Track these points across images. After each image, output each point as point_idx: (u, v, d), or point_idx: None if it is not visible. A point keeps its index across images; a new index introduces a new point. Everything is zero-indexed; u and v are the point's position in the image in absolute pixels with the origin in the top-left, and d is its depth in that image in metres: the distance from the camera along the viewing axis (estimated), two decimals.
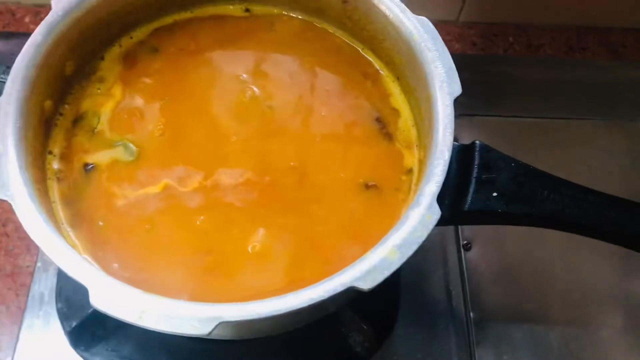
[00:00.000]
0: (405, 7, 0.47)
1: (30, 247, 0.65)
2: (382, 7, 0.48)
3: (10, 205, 0.67)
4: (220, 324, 0.34)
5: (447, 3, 0.81)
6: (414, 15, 0.47)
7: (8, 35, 0.45)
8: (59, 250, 0.37)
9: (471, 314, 0.53)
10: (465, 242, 0.55)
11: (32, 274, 0.64)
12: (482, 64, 0.41)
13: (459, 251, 0.55)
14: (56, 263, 0.36)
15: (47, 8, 0.80)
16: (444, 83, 0.43)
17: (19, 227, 0.66)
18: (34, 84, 0.43)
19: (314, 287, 0.36)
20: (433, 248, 0.40)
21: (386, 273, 0.37)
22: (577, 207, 0.41)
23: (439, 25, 0.82)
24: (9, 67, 0.44)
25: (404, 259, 0.37)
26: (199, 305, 0.35)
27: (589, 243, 0.45)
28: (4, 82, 0.44)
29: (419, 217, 0.39)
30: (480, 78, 0.58)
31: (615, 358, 0.53)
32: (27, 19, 0.79)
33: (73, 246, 0.40)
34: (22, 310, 0.61)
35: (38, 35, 0.43)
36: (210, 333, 0.34)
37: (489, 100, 0.62)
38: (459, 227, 0.56)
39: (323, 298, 0.35)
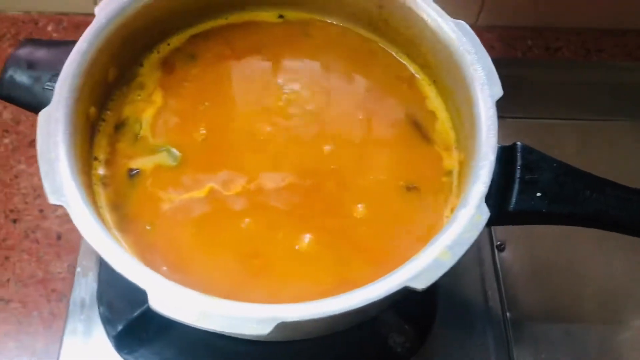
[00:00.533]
0: (442, 10, 0.48)
1: (61, 254, 0.66)
2: (420, 12, 0.48)
3: (40, 212, 0.68)
4: (279, 324, 0.35)
5: (466, 7, 0.82)
6: (451, 19, 0.47)
7: (50, 44, 0.46)
8: (116, 254, 0.38)
9: (508, 314, 0.54)
10: (498, 242, 0.56)
11: (63, 279, 0.64)
12: (504, 66, 0.42)
13: (493, 252, 0.55)
14: (114, 267, 0.37)
15: (69, 16, 0.81)
16: (484, 85, 0.44)
17: (48, 234, 0.67)
18: (81, 91, 0.44)
19: (370, 287, 0.37)
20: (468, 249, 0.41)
21: (439, 273, 0.37)
22: (622, 207, 0.42)
23: None
24: (54, 75, 0.45)
25: (455, 259, 0.38)
26: (258, 306, 0.36)
27: (620, 240, 0.46)
28: (51, 90, 0.44)
29: (468, 217, 0.39)
30: (503, 81, 0.59)
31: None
32: (49, 28, 0.80)
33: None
34: (55, 316, 0.61)
35: (83, 42, 0.44)
36: (269, 334, 0.35)
37: (513, 102, 0.62)
38: (492, 228, 0.57)
39: (380, 297, 0.36)
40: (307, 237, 0.45)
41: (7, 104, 0.73)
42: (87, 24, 0.80)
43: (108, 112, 0.49)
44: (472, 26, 0.84)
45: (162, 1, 0.49)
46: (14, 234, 0.67)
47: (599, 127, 0.64)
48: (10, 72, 0.45)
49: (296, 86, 0.51)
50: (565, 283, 0.56)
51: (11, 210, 0.68)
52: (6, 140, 0.72)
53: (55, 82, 0.44)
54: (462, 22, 0.47)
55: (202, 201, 0.46)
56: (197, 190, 0.46)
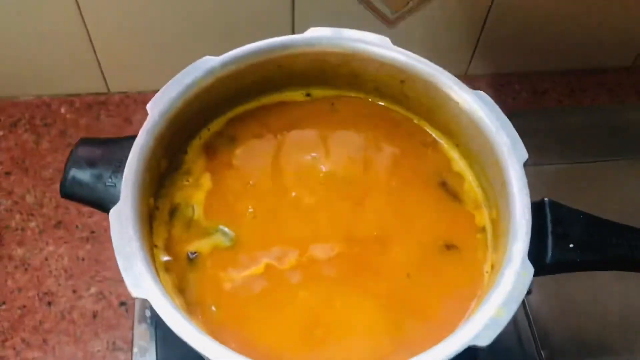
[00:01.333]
0: (461, 82, 0.53)
1: (98, 332, 0.68)
2: (441, 85, 0.53)
3: (74, 292, 0.70)
4: None
5: (456, 58, 0.88)
6: (470, 89, 0.52)
7: (104, 142, 0.49)
8: (201, 340, 0.40)
9: (542, 353, 0.58)
10: None
11: (103, 358, 0.66)
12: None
13: None
14: (202, 353, 0.39)
15: (81, 97, 0.84)
16: (510, 150, 0.49)
17: (84, 314, 0.69)
18: (142, 186, 0.47)
19: (436, 349, 0.40)
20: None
21: (498, 330, 0.41)
22: None
23: None
24: (115, 172, 0.48)
25: (511, 315, 0.42)
26: None
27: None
28: (112, 186, 0.47)
29: (514, 275, 0.43)
30: None
31: None
32: (62, 110, 0.83)
33: None
34: None
35: (141, 140, 0.47)
36: None
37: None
38: None
39: (450, 357, 0.39)
40: (361, 304, 0.48)
41: (31, 188, 0.76)
42: (98, 102, 0.84)
43: (161, 200, 0.52)
44: (463, 75, 0.90)
45: (204, 92, 0.52)
46: (50, 316, 0.69)
47: (607, 167, 0.69)
48: (72, 173, 0.48)
49: (330, 158, 0.55)
50: (591, 318, 0.60)
51: (45, 293, 0.70)
52: (32, 224, 0.74)
53: (116, 178, 0.47)
54: (482, 92, 0.52)
55: (260, 278, 0.49)
56: (254, 267, 0.49)
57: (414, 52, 0.54)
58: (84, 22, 0.74)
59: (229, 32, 0.77)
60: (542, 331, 0.58)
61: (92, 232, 0.74)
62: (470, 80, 0.90)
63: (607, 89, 0.90)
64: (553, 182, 0.67)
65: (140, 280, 0.42)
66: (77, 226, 0.74)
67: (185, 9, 0.74)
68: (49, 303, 0.69)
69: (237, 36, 0.77)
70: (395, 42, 0.55)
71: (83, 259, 0.72)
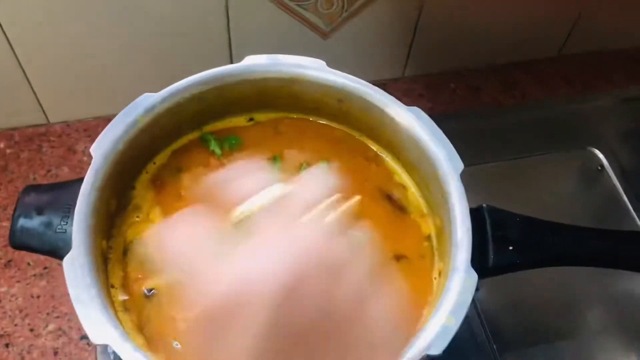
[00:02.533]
0: (395, 99, 0.55)
1: None
2: (376, 102, 0.55)
3: (31, 331, 0.69)
4: None
5: (392, 63, 0.90)
6: (405, 106, 0.54)
7: (50, 187, 0.49)
8: None
9: (494, 346, 0.61)
10: None
11: None
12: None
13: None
14: None
15: (19, 130, 0.82)
16: (448, 162, 0.51)
17: (44, 352, 0.69)
18: (94, 230, 0.47)
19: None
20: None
21: (449, 337, 0.44)
22: (577, 245, 0.50)
23: (388, 83, 0.91)
24: (64, 217, 0.48)
25: (459, 322, 0.44)
26: None
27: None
28: (63, 232, 0.48)
29: (461, 282, 0.46)
30: None
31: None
32: (2, 144, 0.82)
33: None
34: None
35: (87, 185, 0.48)
36: None
37: None
38: None
39: None
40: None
41: None
42: (39, 134, 0.83)
43: (113, 240, 0.52)
44: (400, 79, 0.93)
45: (146, 129, 0.53)
46: (9, 358, 0.68)
47: (533, 162, 0.73)
48: (20, 222, 0.48)
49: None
50: (536, 308, 0.64)
51: (1, 335, 0.69)
52: None
53: (65, 223, 0.48)
54: (416, 108, 0.54)
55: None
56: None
57: (351, 62, 0.55)
58: (15, 55, 0.73)
59: (166, 61, 0.77)
60: (494, 326, 0.62)
61: (45, 267, 0.73)
62: (407, 83, 0.93)
63: (537, 80, 0.94)
64: (491, 181, 0.70)
65: (99, 327, 0.42)
66: (28, 263, 0.73)
67: (120, 39, 0.74)
68: (7, 345, 0.68)
69: (174, 65, 0.78)
70: (332, 53, 0.57)
71: (38, 297, 0.71)
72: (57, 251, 0.46)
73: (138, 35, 0.74)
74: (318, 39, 0.81)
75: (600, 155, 0.74)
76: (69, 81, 0.79)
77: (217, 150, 0.57)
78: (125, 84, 0.78)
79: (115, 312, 0.48)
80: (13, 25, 0.69)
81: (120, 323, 0.46)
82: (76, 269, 0.44)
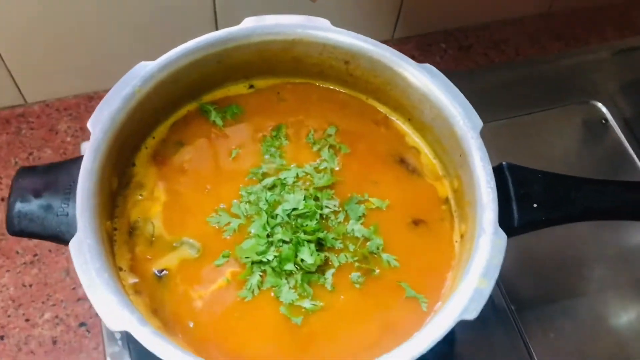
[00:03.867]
0: (405, 56, 0.52)
1: (61, 358, 0.65)
2: (386, 61, 0.52)
3: (27, 321, 0.66)
4: None
5: (382, 24, 0.88)
6: (417, 63, 0.52)
7: (46, 168, 0.46)
8: None
9: (512, 306, 0.60)
10: None
11: None
12: None
13: None
14: None
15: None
16: (465, 119, 0.49)
17: (42, 342, 0.66)
18: (98, 211, 0.44)
19: (430, 328, 0.41)
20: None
21: (483, 300, 0.42)
22: (599, 199, 0.49)
23: None
24: (65, 199, 0.45)
25: (492, 285, 0.43)
26: None
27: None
28: (64, 216, 0.44)
29: (490, 244, 0.44)
30: None
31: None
32: None
33: None
34: None
35: (88, 162, 0.44)
36: None
37: None
38: None
39: (441, 336, 0.40)
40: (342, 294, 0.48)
41: None
42: (17, 115, 0.78)
43: (117, 220, 0.49)
44: (389, 40, 0.90)
45: (144, 100, 0.49)
46: (5, 351, 0.65)
47: (534, 120, 0.71)
48: (17, 207, 0.44)
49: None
50: (552, 267, 0.63)
51: None
52: None
53: (67, 206, 0.44)
54: (429, 64, 0.51)
55: (230, 286, 0.47)
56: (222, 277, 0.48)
57: (340, 24, 0.53)
58: None
59: (148, 32, 0.73)
60: (510, 287, 0.60)
61: (35, 255, 0.70)
62: (398, 44, 0.90)
63: (528, 37, 0.92)
64: (495, 140, 0.68)
65: (115, 312, 0.40)
66: (17, 251, 0.70)
67: (97, 12, 0.70)
68: (2, 337, 0.65)
69: (157, 34, 0.74)
70: (320, 14, 0.54)
71: (30, 285, 0.68)
72: (61, 235, 0.43)
73: (119, 4, 0.69)
74: (305, 1, 0.77)
75: (604, 109, 0.73)
76: (46, 57, 0.74)
77: (219, 121, 0.54)
78: (107, 59, 0.74)
79: (127, 296, 0.45)
80: None
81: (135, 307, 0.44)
82: (84, 253, 0.41)
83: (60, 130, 0.78)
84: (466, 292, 0.42)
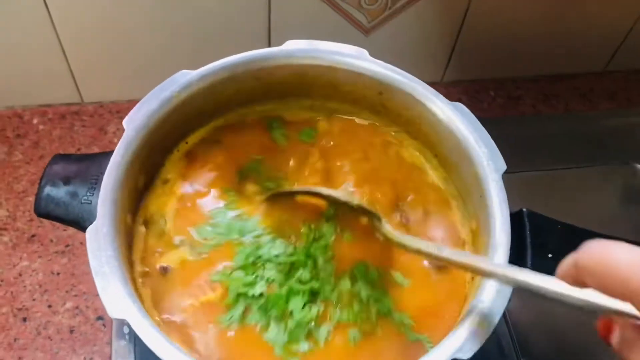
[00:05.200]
0: (437, 93, 0.53)
1: (75, 348, 0.67)
2: (418, 96, 0.53)
3: (49, 307, 0.69)
4: None
5: (432, 66, 0.88)
6: (448, 101, 0.52)
7: (79, 158, 0.48)
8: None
9: None
10: None
11: None
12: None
13: None
14: None
15: (53, 107, 0.82)
16: (489, 161, 0.49)
17: (60, 329, 0.68)
18: (120, 204, 0.46)
19: None
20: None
21: (480, 342, 0.41)
22: None
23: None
24: (90, 189, 0.47)
25: (492, 328, 0.42)
26: None
27: None
28: (88, 203, 0.46)
29: (496, 287, 0.44)
30: None
31: None
32: (35, 120, 0.81)
33: None
34: None
35: (117, 156, 0.47)
36: None
37: None
38: None
39: None
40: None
41: (3, 201, 0.74)
42: (72, 113, 0.83)
43: (139, 214, 0.51)
44: (438, 83, 0.91)
45: (181, 106, 0.51)
46: (25, 332, 0.67)
47: (575, 174, 0.70)
48: (46, 191, 0.47)
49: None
50: (570, 324, 0.61)
51: (19, 309, 0.68)
52: (5, 238, 0.73)
53: (91, 195, 0.46)
54: (459, 103, 0.52)
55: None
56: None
57: (391, 61, 0.54)
58: (56, 32, 0.73)
59: (204, 44, 0.76)
60: (522, 338, 0.59)
61: (67, 245, 0.72)
62: (446, 87, 0.91)
63: (579, 94, 0.91)
64: (528, 190, 0.67)
65: (118, 300, 0.41)
66: (51, 240, 0.73)
67: (160, 20, 0.73)
68: (24, 319, 0.68)
69: (212, 49, 0.77)
70: (371, 50, 0.55)
71: (58, 274, 0.71)
72: (81, 222, 0.45)
73: (179, 18, 0.73)
74: (358, 34, 0.79)
75: None
76: (106, 62, 0.78)
77: (281, 140, 0.55)
78: (162, 68, 0.77)
79: (136, 288, 0.46)
80: (58, 6, 0.69)
81: (140, 299, 0.45)
82: (99, 240, 0.43)
83: (109, 131, 0.82)
84: (464, 332, 0.42)
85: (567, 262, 0.34)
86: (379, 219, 0.48)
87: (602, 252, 0.31)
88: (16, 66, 0.76)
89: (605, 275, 0.31)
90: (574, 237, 0.46)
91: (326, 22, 0.76)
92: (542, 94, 0.91)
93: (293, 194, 0.51)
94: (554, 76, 0.92)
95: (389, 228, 0.47)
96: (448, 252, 0.42)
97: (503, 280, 0.39)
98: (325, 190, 0.50)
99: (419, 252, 0.44)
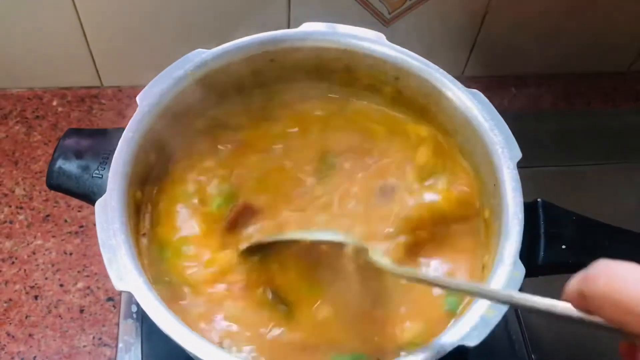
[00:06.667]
0: (454, 79, 0.52)
1: (85, 327, 0.67)
2: (434, 82, 0.52)
3: (61, 287, 0.69)
4: None
5: (453, 60, 0.87)
6: (465, 88, 0.51)
7: (93, 133, 0.48)
8: (183, 334, 0.40)
9: (533, 356, 0.57)
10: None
11: (89, 353, 0.65)
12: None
13: None
14: (184, 347, 0.39)
15: (72, 90, 0.83)
16: (504, 149, 0.48)
17: (70, 308, 0.68)
18: (130, 178, 0.46)
19: (427, 349, 0.39)
20: None
21: (488, 330, 0.40)
22: (634, 253, 0.46)
23: None
24: (102, 163, 0.47)
25: (500, 316, 0.41)
26: None
27: None
28: (99, 177, 0.47)
29: (506, 275, 0.43)
30: None
31: None
32: (54, 102, 0.82)
33: None
34: None
35: (129, 131, 0.47)
36: None
37: None
38: None
39: (439, 356, 0.39)
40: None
41: (20, 180, 0.75)
42: (91, 96, 0.83)
43: (149, 190, 0.51)
44: (458, 77, 0.89)
45: (195, 85, 0.51)
46: (36, 310, 0.68)
47: (597, 171, 0.69)
48: (59, 163, 0.47)
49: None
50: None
51: (31, 287, 0.69)
52: (21, 217, 0.73)
53: (103, 169, 0.47)
54: (476, 90, 0.51)
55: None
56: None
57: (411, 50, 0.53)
58: (78, 16, 0.74)
59: (224, 27, 0.76)
60: (534, 334, 0.58)
61: (81, 226, 0.73)
62: (466, 82, 0.89)
63: (602, 94, 0.89)
64: (546, 185, 0.66)
65: (124, 273, 0.41)
66: (65, 220, 0.73)
67: (180, 4, 0.73)
68: (36, 297, 0.68)
69: (232, 31, 0.77)
70: (390, 40, 0.54)
71: (71, 254, 0.71)
72: (91, 195, 0.45)
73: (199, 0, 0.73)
74: (378, 25, 0.79)
75: None
76: (127, 46, 0.79)
77: None
78: (181, 53, 0.77)
79: (143, 262, 0.46)
80: None
81: (146, 273, 0.45)
82: (107, 213, 0.43)
83: (127, 115, 0.81)
84: (471, 318, 0.41)
85: (572, 288, 0.31)
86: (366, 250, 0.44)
87: (608, 282, 0.29)
88: (38, 48, 0.77)
89: (613, 307, 0.28)
90: (590, 230, 0.46)
91: (346, 11, 0.75)
92: (564, 92, 0.90)
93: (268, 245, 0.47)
94: (577, 74, 0.90)
95: (380, 258, 0.43)
96: (448, 281, 0.42)
97: (507, 302, 0.37)
98: (302, 235, 0.46)
99: (417, 281, 0.42)
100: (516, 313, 0.60)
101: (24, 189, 0.75)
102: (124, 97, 0.84)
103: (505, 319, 0.55)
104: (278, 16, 0.75)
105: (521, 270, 0.43)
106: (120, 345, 0.55)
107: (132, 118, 0.47)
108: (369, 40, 0.53)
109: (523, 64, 0.89)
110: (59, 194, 0.72)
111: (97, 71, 0.81)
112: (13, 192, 0.75)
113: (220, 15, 0.75)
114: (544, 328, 0.59)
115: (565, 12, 0.80)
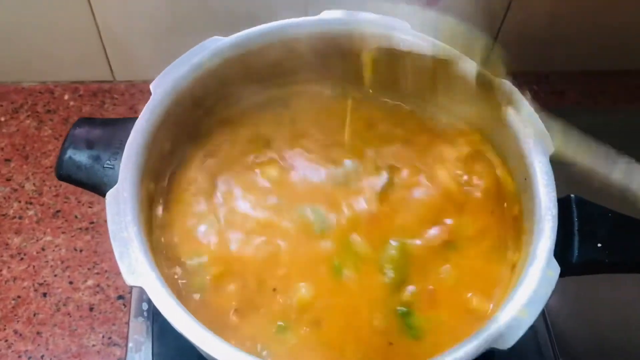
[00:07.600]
0: (484, 70, 0.50)
1: (94, 325, 0.65)
2: (464, 72, 0.50)
3: (70, 284, 0.67)
4: None
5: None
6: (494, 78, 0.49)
7: (104, 122, 0.46)
8: (196, 331, 0.37)
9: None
10: None
11: (98, 352, 0.63)
12: None
13: None
14: (197, 345, 0.37)
15: (85, 85, 0.81)
16: (537, 142, 0.45)
17: (80, 306, 0.66)
18: (143, 169, 0.44)
19: (457, 350, 0.37)
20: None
21: (521, 332, 0.38)
22: None
23: None
24: (114, 154, 0.45)
25: (534, 317, 0.39)
26: None
27: None
28: (111, 168, 0.45)
29: (540, 274, 0.40)
30: None
31: None
32: (66, 97, 0.81)
33: None
34: None
35: (142, 120, 0.45)
36: None
37: None
38: None
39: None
40: None
41: (30, 175, 0.73)
42: (103, 90, 0.81)
43: (162, 181, 0.49)
44: None
45: (211, 74, 0.49)
46: (45, 308, 0.66)
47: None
48: (69, 153, 0.45)
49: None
50: (613, 325, 0.57)
51: (40, 284, 0.67)
52: (30, 212, 0.72)
53: (114, 160, 0.45)
54: (507, 82, 0.48)
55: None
56: None
57: None
58: (92, 9, 0.72)
59: (239, 20, 0.74)
60: (561, 337, 0.55)
61: (92, 222, 0.71)
62: None
63: (627, 92, 0.87)
64: (574, 181, 0.63)
65: (135, 267, 0.39)
66: (76, 216, 0.71)
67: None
68: (44, 294, 0.67)
69: (248, 25, 0.75)
70: None
71: (81, 250, 0.69)
72: (102, 187, 0.43)
73: None
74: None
75: None
76: (139, 40, 0.77)
77: None
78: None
79: (155, 256, 0.44)
80: None
81: (158, 267, 0.43)
82: (119, 204, 0.41)
83: (139, 110, 0.79)
84: (504, 320, 0.39)
85: None
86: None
87: None
88: (50, 42, 0.76)
89: None
90: (626, 228, 0.43)
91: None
92: (588, 90, 0.87)
93: None
94: (602, 72, 0.88)
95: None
96: None
97: None
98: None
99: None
100: (543, 315, 0.57)
101: (34, 184, 0.73)
102: (137, 92, 0.82)
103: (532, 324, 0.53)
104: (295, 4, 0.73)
105: (556, 269, 0.40)
106: (130, 344, 0.53)
107: (145, 105, 0.45)
108: (394, 29, 0.51)
109: (546, 61, 0.87)
110: (70, 189, 0.71)
111: (109, 65, 0.80)
112: (23, 187, 0.73)
113: (236, 9, 0.73)
114: (572, 330, 0.56)
115: (590, 8, 0.78)
